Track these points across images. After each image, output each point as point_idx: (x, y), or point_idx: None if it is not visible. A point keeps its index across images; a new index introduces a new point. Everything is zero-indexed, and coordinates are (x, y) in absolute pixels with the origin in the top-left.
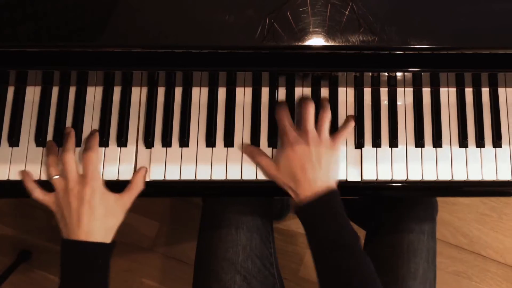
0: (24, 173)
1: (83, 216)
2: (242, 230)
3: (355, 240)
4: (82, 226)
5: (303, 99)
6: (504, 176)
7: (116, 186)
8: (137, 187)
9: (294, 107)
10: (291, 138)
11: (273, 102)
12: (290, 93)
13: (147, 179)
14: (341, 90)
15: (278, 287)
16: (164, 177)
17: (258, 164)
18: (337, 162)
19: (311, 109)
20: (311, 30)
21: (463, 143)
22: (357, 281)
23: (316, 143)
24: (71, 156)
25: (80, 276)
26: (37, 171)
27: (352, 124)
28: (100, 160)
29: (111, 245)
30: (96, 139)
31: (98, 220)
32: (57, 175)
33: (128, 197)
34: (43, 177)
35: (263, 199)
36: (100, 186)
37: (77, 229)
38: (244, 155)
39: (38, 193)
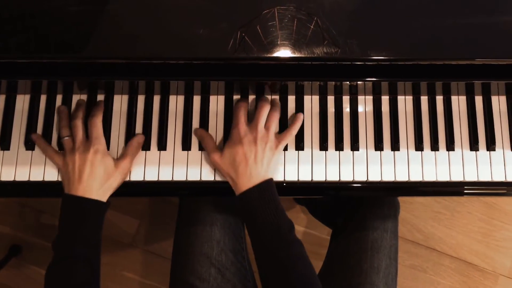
0: (35, 136)
1: (83, 173)
2: (216, 227)
3: (290, 227)
4: (82, 183)
5: (262, 99)
6: (456, 177)
7: None
8: (132, 151)
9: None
10: (241, 132)
11: None
12: None
13: (127, 179)
14: (307, 98)
15: (249, 278)
16: (144, 178)
17: (204, 147)
18: (277, 161)
19: (265, 109)
20: (279, 42)
21: (419, 146)
22: (295, 270)
23: (263, 141)
24: (80, 121)
25: (75, 228)
26: (26, 173)
27: (299, 121)
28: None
29: (105, 204)
30: (101, 108)
31: (97, 179)
32: (67, 136)
33: (126, 161)
34: (32, 178)
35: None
36: (103, 149)
37: (77, 185)
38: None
39: (50, 152)
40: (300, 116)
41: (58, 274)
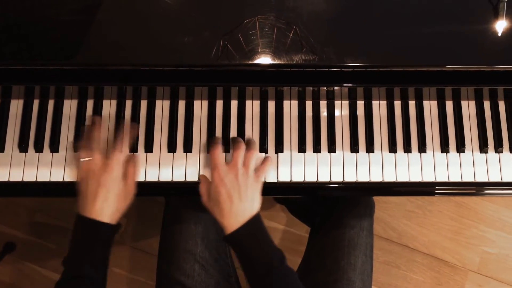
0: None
1: (98, 197)
2: (200, 225)
3: (281, 258)
4: (95, 206)
5: (235, 141)
6: (428, 178)
7: None
8: (133, 174)
9: (246, 121)
10: (221, 172)
11: (227, 113)
12: (241, 106)
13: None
14: (286, 103)
15: (232, 274)
16: None
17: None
18: (259, 193)
19: (241, 149)
20: (259, 50)
21: (392, 149)
22: None
23: (244, 177)
24: (98, 145)
25: (85, 249)
26: (20, 174)
27: (269, 162)
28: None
29: (116, 227)
30: (133, 133)
31: (110, 204)
32: (86, 158)
33: (132, 185)
34: (26, 178)
35: None
36: (120, 175)
37: (91, 207)
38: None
39: (80, 162)
40: (269, 158)
41: None
